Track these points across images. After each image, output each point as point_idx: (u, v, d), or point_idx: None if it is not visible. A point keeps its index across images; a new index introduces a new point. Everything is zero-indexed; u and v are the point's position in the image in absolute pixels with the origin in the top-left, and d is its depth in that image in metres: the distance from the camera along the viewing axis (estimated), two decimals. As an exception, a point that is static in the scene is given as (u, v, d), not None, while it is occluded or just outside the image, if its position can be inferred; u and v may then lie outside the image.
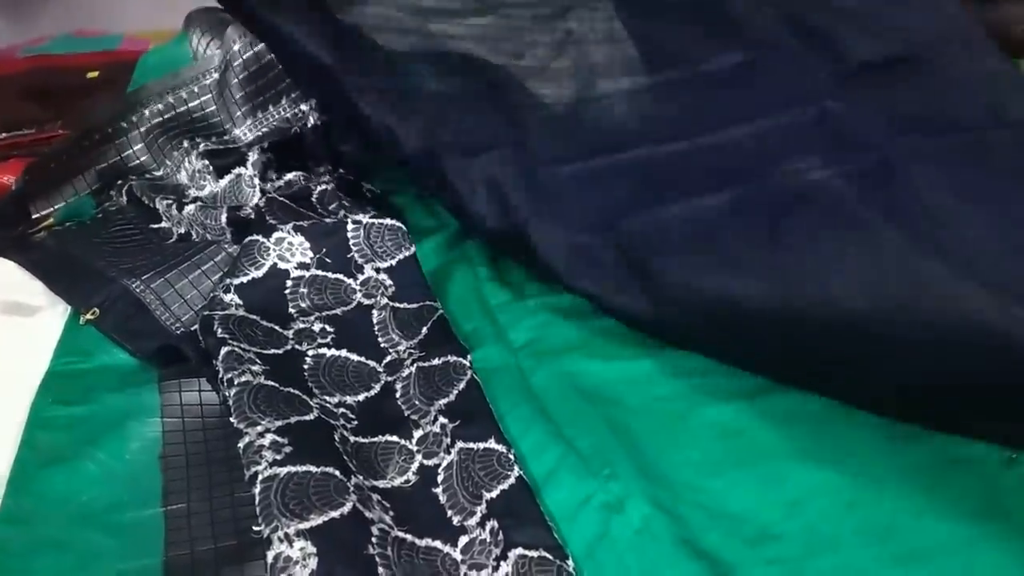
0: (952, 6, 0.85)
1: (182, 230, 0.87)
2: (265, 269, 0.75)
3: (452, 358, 0.69)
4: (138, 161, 0.95)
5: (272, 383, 0.63)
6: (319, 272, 0.76)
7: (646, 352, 0.74)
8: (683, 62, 0.83)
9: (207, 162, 0.92)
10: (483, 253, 0.89)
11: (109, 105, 0.97)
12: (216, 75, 0.98)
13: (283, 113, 0.98)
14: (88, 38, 1.57)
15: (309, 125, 0.93)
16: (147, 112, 0.95)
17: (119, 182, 0.94)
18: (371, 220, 0.80)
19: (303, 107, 0.98)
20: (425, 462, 0.63)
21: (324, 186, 0.90)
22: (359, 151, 1.00)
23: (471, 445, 0.62)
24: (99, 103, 1.05)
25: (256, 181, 0.88)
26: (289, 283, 0.75)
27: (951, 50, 0.81)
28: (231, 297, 0.72)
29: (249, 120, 0.97)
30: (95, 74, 1.21)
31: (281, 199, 0.87)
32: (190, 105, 0.98)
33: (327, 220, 0.83)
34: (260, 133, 0.97)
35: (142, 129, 0.95)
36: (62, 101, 1.10)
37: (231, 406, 0.60)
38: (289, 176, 0.91)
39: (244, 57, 0.96)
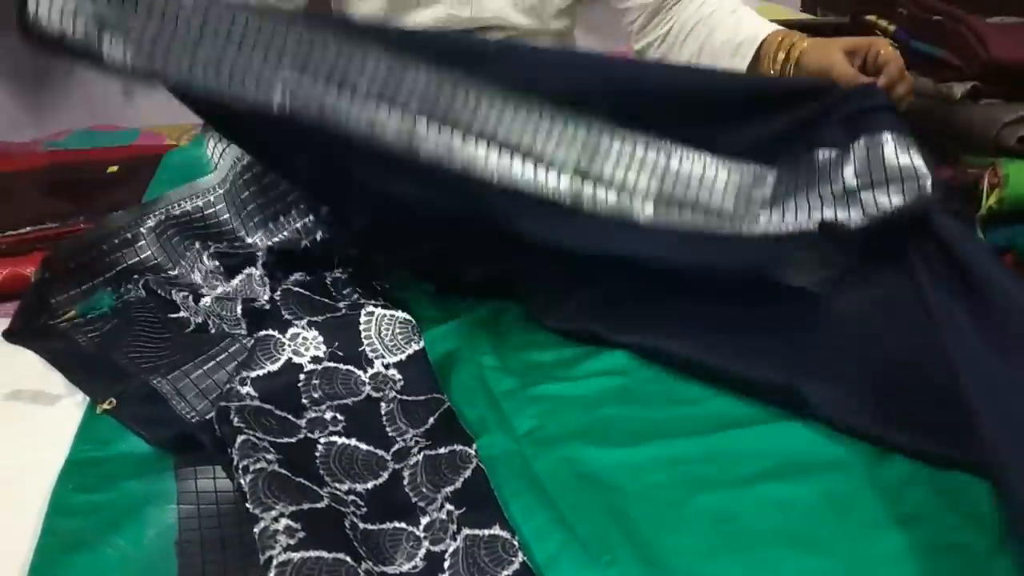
0: None
1: (199, 319, 0.91)
2: (281, 363, 0.78)
3: (458, 447, 0.72)
4: (155, 261, 0.99)
5: (285, 471, 0.66)
6: (331, 364, 0.80)
7: (646, 440, 0.77)
8: None
9: (218, 263, 0.96)
10: (488, 343, 0.93)
11: (128, 211, 1.01)
12: (228, 185, 1.03)
13: (293, 223, 1.02)
14: (106, 132, 1.63)
15: (318, 239, 0.97)
16: (163, 217, 1.00)
17: (136, 277, 0.98)
18: (383, 312, 0.84)
19: (312, 216, 1.02)
20: (432, 548, 0.65)
21: (337, 274, 0.95)
22: (367, 254, 1.04)
23: (477, 532, 0.64)
24: (119, 200, 1.09)
25: (266, 280, 0.92)
26: (303, 376, 0.78)
27: None
28: (247, 389, 0.75)
29: (261, 231, 1.01)
30: (115, 168, 1.26)
31: (296, 289, 0.90)
32: (205, 212, 1.02)
33: (341, 309, 0.87)
34: (271, 243, 1.00)
35: (157, 231, 0.99)
36: (84, 195, 1.15)
37: (247, 492, 0.63)
38: (297, 275, 0.95)
39: (255, 171, 1.01)
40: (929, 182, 0.80)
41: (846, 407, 0.75)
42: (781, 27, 1.05)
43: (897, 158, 0.80)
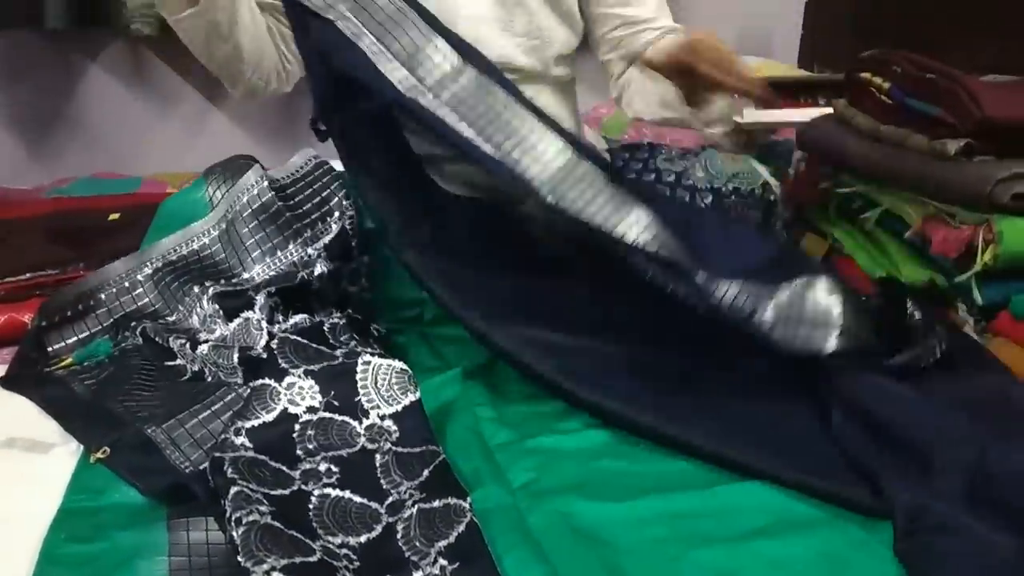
0: None
1: (195, 367, 0.91)
2: (276, 413, 0.78)
3: (452, 500, 0.72)
4: (154, 308, 1.00)
5: (278, 524, 0.66)
6: (327, 414, 0.80)
7: (641, 494, 0.76)
8: None
9: (218, 306, 0.96)
10: (484, 394, 0.93)
11: (126, 259, 1.02)
12: (224, 225, 1.04)
13: (291, 257, 1.03)
14: (109, 180, 1.65)
15: (316, 272, 0.98)
16: (161, 263, 1.01)
17: (133, 324, 0.98)
18: (380, 361, 0.84)
19: (310, 251, 1.03)
20: (425, 603, 0.64)
21: (335, 320, 0.95)
22: (365, 291, 1.06)
23: (470, 587, 0.64)
24: (120, 247, 1.10)
25: (264, 324, 0.92)
26: (298, 426, 0.78)
27: None
28: (242, 440, 0.75)
29: (259, 265, 1.02)
30: (116, 216, 1.26)
31: (293, 337, 0.91)
32: (201, 255, 1.03)
33: (338, 357, 0.87)
34: (270, 276, 1.01)
35: (154, 278, 1.00)
36: (85, 243, 1.16)
37: (239, 545, 0.63)
38: (296, 319, 0.95)
39: (253, 207, 1.02)
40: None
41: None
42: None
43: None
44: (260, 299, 0.95)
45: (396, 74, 0.93)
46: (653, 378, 0.90)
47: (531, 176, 0.90)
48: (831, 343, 0.87)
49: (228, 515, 0.66)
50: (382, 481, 0.76)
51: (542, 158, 0.91)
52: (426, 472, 0.76)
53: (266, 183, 1.03)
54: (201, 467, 0.74)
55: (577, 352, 0.92)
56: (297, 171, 1.08)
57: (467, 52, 0.96)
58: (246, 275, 1.02)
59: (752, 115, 1.60)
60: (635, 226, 0.90)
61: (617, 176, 0.93)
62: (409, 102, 0.92)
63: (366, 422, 0.80)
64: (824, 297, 0.89)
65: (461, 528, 0.69)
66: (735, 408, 0.88)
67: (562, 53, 1.21)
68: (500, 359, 0.92)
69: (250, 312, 0.95)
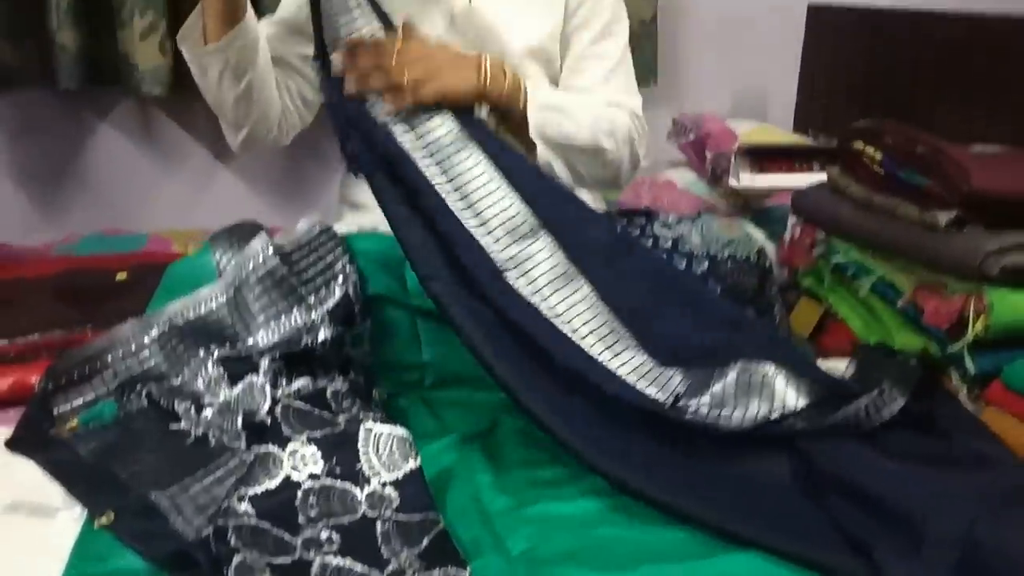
0: None
1: (200, 431, 0.92)
2: (279, 481, 0.79)
3: (451, 570, 0.73)
4: (159, 371, 1.01)
5: (280, 594, 0.67)
6: (328, 481, 0.81)
7: (639, 563, 0.77)
8: None
9: (223, 370, 0.97)
10: (483, 459, 0.94)
11: (132, 322, 1.04)
12: (231, 292, 1.06)
13: (295, 323, 1.05)
14: (116, 237, 1.67)
15: (320, 339, 1.00)
16: (167, 327, 1.02)
17: (139, 386, 0.99)
18: (381, 428, 0.85)
19: (314, 316, 1.05)
20: (424, 675, 0.65)
21: (337, 385, 0.96)
22: (367, 355, 1.07)
23: (468, 659, 0.64)
24: (127, 307, 1.12)
25: (267, 389, 0.93)
26: (300, 493, 0.79)
27: None
28: (244, 507, 0.76)
29: (264, 330, 1.04)
30: (124, 276, 1.29)
31: (296, 403, 0.92)
32: (208, 320, 1.04)
33: (340, 424, 0.88)
34: (275, 341, 1.03)
35: (160, 341, 1.02)
36: (92, 303, 1.18)
37: (240, 615, 0.63)
38: (298, 384, 0.96)
39: (260, 275, 1.04)
40: None
41: None
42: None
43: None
44: (264, 363, 0.97)
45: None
46: (644, 444, 0.92)
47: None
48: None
49: (230, 585, 0.67)
50: (382, 549, 0.76)
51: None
52: (426, 540, 0.77)
53: (271, 250, 1.05)
54: (204, 533, 0.75)
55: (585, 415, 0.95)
56: (302, 238, 1.10)
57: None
58: (251, 340, 1.04)
59: (747, 179, 1.64)
60: (579, 305, 0.97)
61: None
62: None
63: (367, 489, 0.81)
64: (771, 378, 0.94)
65: (460, 599, 0.70)
66: (726, 475, 0.90)
67: None
68: (523, 413, 0.93)
69: (254, 376, 0.96)
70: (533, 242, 1.01)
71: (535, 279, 0.99)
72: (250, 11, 1.12)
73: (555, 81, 1.22)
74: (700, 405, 0.92)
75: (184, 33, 1.15)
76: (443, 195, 1.00)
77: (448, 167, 1.01)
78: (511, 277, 0.99)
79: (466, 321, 0.94)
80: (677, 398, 0.94)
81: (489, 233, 1.00)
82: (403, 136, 1.02)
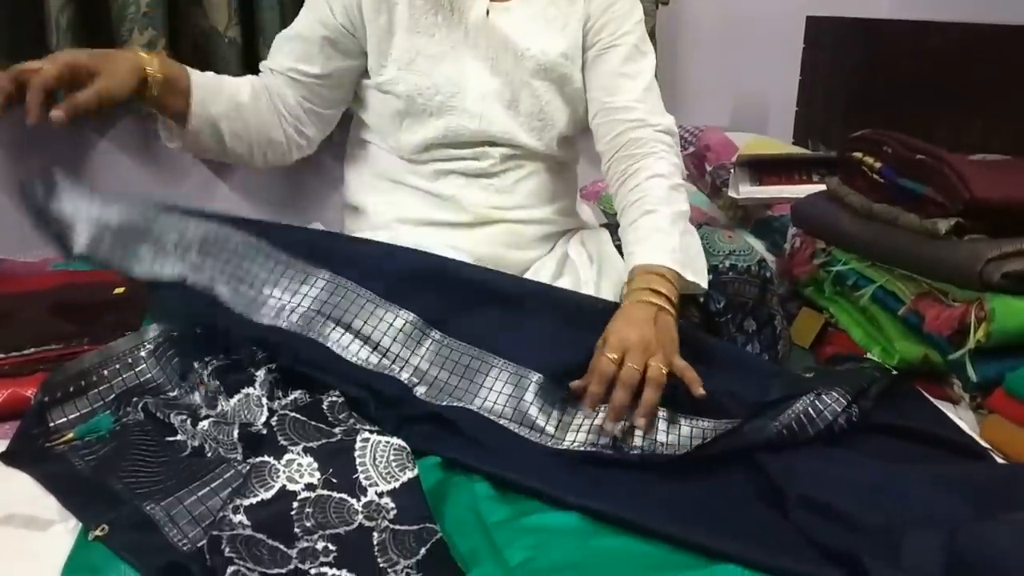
0: None
1: (196, 443, 0.91)
2: (274, 491, 0.78)
3: (449, 580, 0.72)
4: (155, 384, 1.01)
5: (275, 605, 0.66)
6: (325, 491, 0.80)
7: (641, 573, 0.76)
8: None
9: (219, 383, 0.97)
10: (482, 470, 0.93)
11: (129, 336, 1.04)
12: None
13: None
14: (115, 252, 1.67)
15: None
16: (163, 339, 1.02)
17: (135, 399, 0.99)
18: (378, 438, 0.85)
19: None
20: None
21: (333, 398, 0.96)
22: None
23: (465, 670, 0.63)
24: (124, 321, 1.12)
25: (264, 401, 0.93)
26: (296, 504, 0.78)
27: None
28: (240, 518, 0.75)
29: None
30: (121, 290, 1.28)
31: (292, 415, 0.91)
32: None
33: (336, 435, 0.87)
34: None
35: (156, 354, 1.01)
36: (89, 317, 1.17)
37: (234, 627, 0.62)
38: (295, 394, 0.96)
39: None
40: None
41: None
42: (656, 266, 1.05)
43: None
44: (260, 375, 0.96)
45: None
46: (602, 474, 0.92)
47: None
48: None
49: (225, 595, 0.66)
50: (379, 560, 0.75)
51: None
52: (423, 551, 0.76)
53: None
54: (199, 545, 0.74)
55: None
56: None
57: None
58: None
59: (748, 190, 1.64)
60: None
61: None
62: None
63: (364, 499, 0.80)
64: None
65: (457, 609, 0.69)
66: (692, 496, 0.89)
67: (565, 135, 1.24)
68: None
69: (250, 388, 0.96)
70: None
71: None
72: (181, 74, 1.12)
73: (569, 100, 1.22)
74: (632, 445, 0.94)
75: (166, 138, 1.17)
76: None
77: None
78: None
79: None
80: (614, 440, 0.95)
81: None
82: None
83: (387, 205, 1.24)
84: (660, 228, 1.08)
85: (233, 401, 0.96)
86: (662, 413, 0.95)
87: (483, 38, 1.17)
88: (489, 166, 1.20)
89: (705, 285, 1.08)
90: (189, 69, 1.13)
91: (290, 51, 1.21)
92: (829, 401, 0.94)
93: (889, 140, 1.23)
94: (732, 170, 1.64)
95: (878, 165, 1.22)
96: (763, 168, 1.65)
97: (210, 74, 1.17)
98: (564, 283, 1.20)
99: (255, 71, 1.26)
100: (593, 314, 1.05)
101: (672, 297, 1.03)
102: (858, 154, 1.27)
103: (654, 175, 1.13)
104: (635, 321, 0.99)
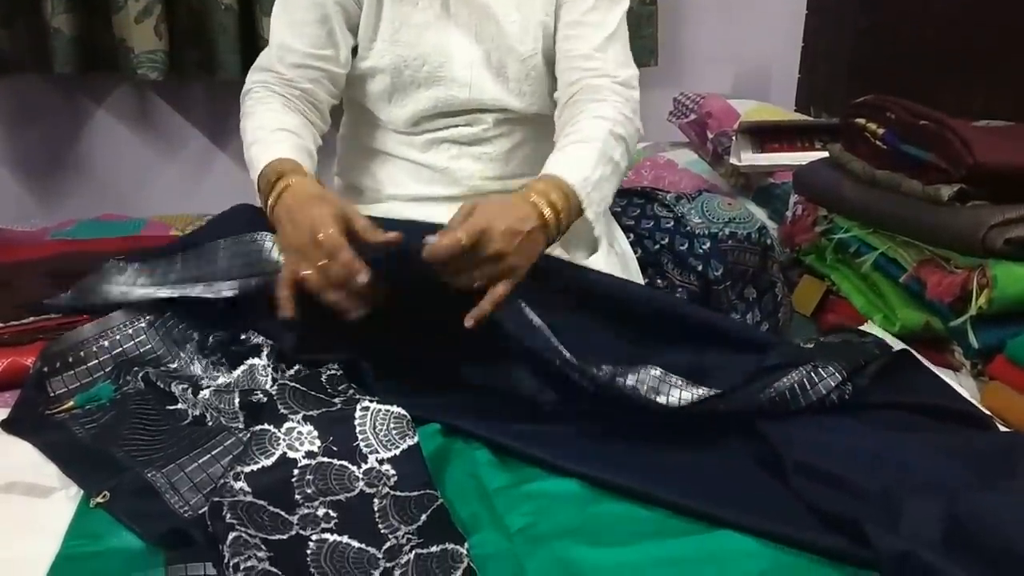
0: None
1: (197, 412, 0.92)
2: (275, 458, 0.78)
3: (450, 545, 0.72)
4: (156, 354, 1.01)
5: (276, 570, 0.66)
6: (325, 459, 0.80)
7: (640, 539, 0.76)
8: None
9: (220, 355, 0.97)
10: (482, 436, 0.93)
11: (128, 306, 1.03)
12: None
13: None
14: (113, 222, 1.66)
15: None
16: (160, 310, 1.02)
17: (135, 368, 0.98)
18: (378, 407, 0.85)
19: None
20: (421, 650, 0.64)
21: (332, 371, 0.95)
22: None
23: (466, 634, 0.64)
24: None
25: (270, 371, 0.93)
26: (296, 471, 0.78)
27: None
28: (240, 484, 0.75)
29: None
30: (121, 259, 1.27)
31: (293, 384, 0.91)
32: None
33: (336, 404, 0.87)
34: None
35: (156, 324, 1.01)
36: (88, 286, 1.16)
37: (236, 591, 0.63)
38: (295, 368, 0.96)
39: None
40: None
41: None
42: (567, 184, 1.01)
43: None
44: (267, 347, 0.97)
45: None
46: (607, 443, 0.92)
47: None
48: None
49: (226, 561, 0.66)
50: (380, 526, 0.76)
51: None
52: (424, 517, 0.76)
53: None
54: (200, 512, 0.74)
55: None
56: None
57: None
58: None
59: (749, 158, 1.63)
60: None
61: None
62: None
63: (364, 466, 0.81)
64: None
65: (458, 574, 0.69)
66: (691, 462, 0.89)
67: (554, 98, 1.22)
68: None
69: (256, 359, 0.96)
70: None
71: None
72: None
73: (554, 62, 1.20)
74: (638, 383, 0.91)
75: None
76: None
77: None
78: None
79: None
80: (613, 375, 0.92)
81: None
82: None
83: (380, 180, 1.23)
84: (584, 158, 1.04)
85: (237, 372, 0.97)
86: (656, 373, 0.93)
87: (464, 7, 1.16)
88: (482, 131, 1.19)
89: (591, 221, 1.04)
90: (306, 164, 1.08)
91: (302, 38, 1.16)
92: (825, 375, 0.93)
93: (892, 106, 1.21)
94: (734, 137, 1.63)
95: (881, 131, 1.21)
96: (765, 135, 1.64)
97: (307, 149, 1.12)
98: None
99: (252, 38, 1.25)
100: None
101: (561, 222, 0.99)
102: (860, 120, 1.26)
103: (597, 116, 1.09)
104: (509, 217, 0.94)
